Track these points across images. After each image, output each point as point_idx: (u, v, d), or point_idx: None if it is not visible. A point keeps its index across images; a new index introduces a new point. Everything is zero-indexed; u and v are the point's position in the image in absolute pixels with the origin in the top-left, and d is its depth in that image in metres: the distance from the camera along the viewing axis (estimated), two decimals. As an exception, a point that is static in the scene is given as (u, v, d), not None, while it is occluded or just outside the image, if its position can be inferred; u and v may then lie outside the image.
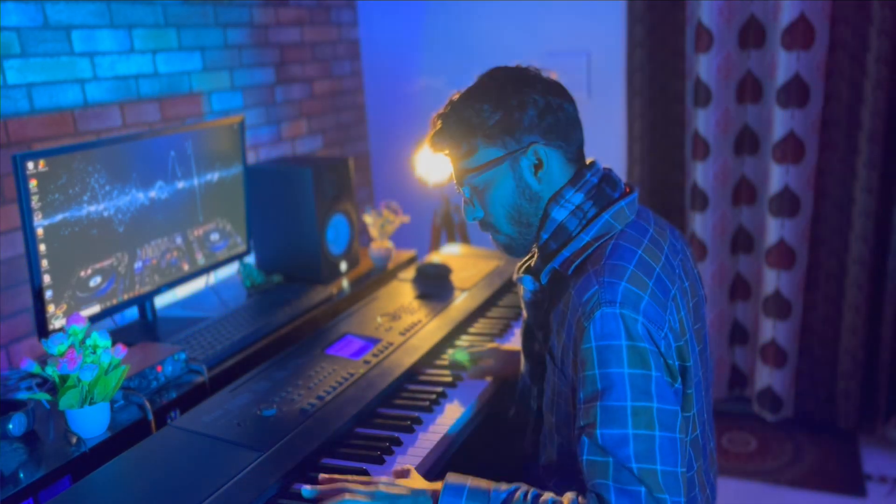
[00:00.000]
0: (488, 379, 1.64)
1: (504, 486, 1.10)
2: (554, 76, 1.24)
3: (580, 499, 1.06)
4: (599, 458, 1.05)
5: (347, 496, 1.11)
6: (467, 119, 1.19)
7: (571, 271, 1.17)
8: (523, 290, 1.29)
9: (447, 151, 1.24)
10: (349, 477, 1.18)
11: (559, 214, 1.19)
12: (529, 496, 1.08)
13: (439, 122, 1.23)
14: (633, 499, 1.02)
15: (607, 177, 1.23)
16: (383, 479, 1.17)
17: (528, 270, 1.29)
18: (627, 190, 1.24)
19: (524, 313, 1.34)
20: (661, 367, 1.07)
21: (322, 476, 1.20)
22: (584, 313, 1.09)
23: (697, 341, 1.21)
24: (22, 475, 1.26)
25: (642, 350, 1.06)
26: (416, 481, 1.17)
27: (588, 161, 1.25)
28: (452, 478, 1.12)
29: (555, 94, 1.20)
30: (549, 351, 1.23)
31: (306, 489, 1.16)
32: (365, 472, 1.26)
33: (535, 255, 1.28)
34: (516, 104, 1.18)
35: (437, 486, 1.12)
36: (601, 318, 1.07)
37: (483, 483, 1.11)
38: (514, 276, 1.31)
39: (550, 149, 1.19)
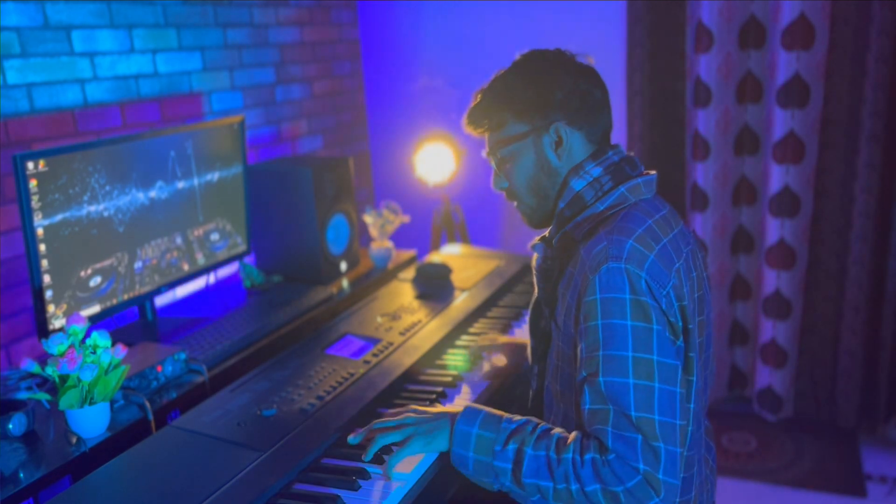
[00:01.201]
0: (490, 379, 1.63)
1: (516, 418, 1.18)
2: (591, 61, 1.31)
3: (584, 439, 1.11)
4: (600, 406, 1.09)
5: (379, 423, 1.25)
6: (500, 94, 1.28)
7: (583, 236, 1.21)
8: (535, 260, 1.34)
9: (482, 123, 1.31)
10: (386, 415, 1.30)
11: (577, 185, 1.25)
12: (538, 429, 1.15)
13: (479, 95, 1.31)
14: (629, 445, 1.06)
15: (629, 158, 1.29)
16: (411, 406, 1.29)
17: (542, 239, 1.34)
18: (649, 173, 1.29)
19: (534, 289, 1.38)
20: (662, 322, 1.11)
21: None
22: (590, 267, 1.14)
23: (699, 333, 1.22)
24: (22, 475, 1.26)
25: (645, 304, 1.10)
26: (439, 408, 1.28)
27: (614, 145, 1.30)
28: (470, 404, 1.22)
29: (585, 79, 1.26)
30: (554, 320, 1.26)
31: (352, 437, 1.27)
32: (365, 473, 1.26)
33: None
34: (545, 84, 1.25)
35: (458, 409, 1.22)
36: (607, 272, 1.11)
37: (498, 413, 1.19)
38: (530, 245, 1.37)
39: (573, 129, 1.25)
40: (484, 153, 1.35)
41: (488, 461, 1.14)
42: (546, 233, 1.34)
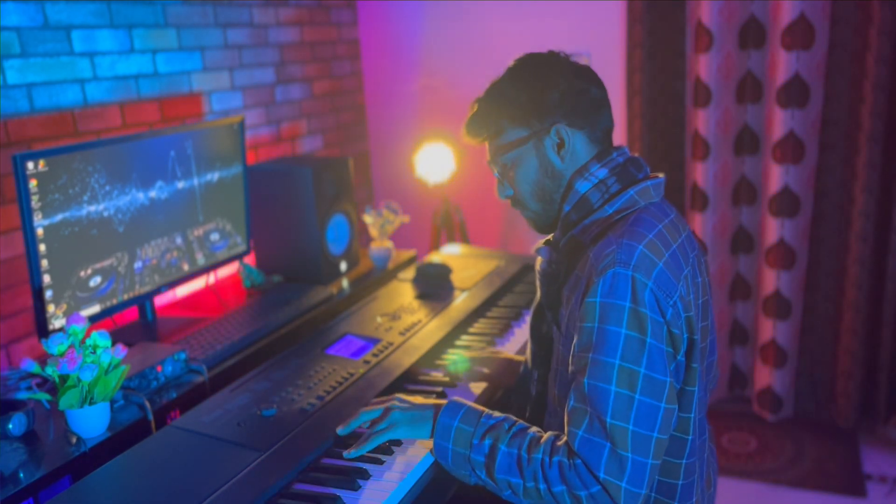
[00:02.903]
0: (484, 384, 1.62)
1: (496, 414, 1.21)
2: (586, 61, 1.29)
3: (556, 439, 1.12)
4: (580, 406, 1.10)
5: (365, 409, 1.29)
6: (496, 101, 1.27)
7: (591, 239, 1.20)
8: (539, 263, 1.33)
9: (480, 133, 1.30)
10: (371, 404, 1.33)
11: (582, 187, 1.23)
12: (514, 427, 1.17)
13: (475, 105, 1.30)
14: (594, 452, 1.06)
15: (634, 160, 1.27)
16: (396, 395, 1.32)
17: (547, 243, 1.33)
18: (656, 176, 1.29)
19: (538, 292, 1.37)
20: (659, 336, 1.10)
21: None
22: (597, 270, 1.13)
23: (703, 338, 1.22)
24: (22, 475, 1.26)
25: (643, 316, 1.09)
26: (424, 399, 1.31)
27: (617, 145, 1.29)
28: (456, 398, 1.25)
29: (580, 78, 1.24)
30: (557, 323, 1.26)
31: (340, 428, 1.29)
32: (365, 473, 1.26)
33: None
34: (541, 87, 1.23)
35: (443, 401, 1.25)
36: (612, 277, 1.10)
37: (480, 408, 1.22)
38: (534, 249, 1.35)
39: (574, 129, 1.23)
40: (487, 162, 1.33)
41: (465, 453, 1.17)
42: (550, 236, 1.33)
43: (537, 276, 1.35)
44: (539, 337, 1.39)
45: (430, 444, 1.26)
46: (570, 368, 1.14)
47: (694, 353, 1.17)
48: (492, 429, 1.17)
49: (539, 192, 1.28)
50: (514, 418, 1.20)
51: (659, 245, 1.14)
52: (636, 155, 1.30)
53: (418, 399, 1.30)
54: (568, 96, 1.22)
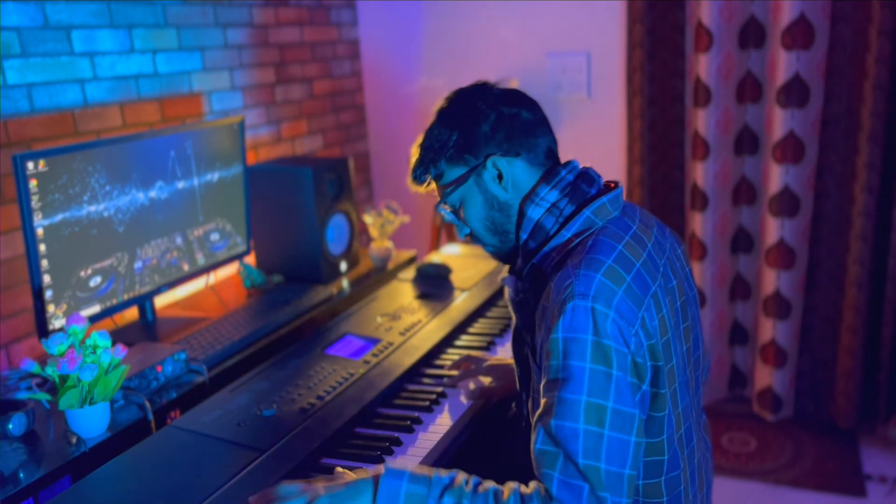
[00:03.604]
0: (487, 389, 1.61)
1: (444, 472, 1.09)
2: (514, 84, 1.28)
3: (522, 488, 1.07)
4: (551, 448, 1.06)
5: (284, 500, 1.07)
6: (431, 146, 1.26)
7: (553, 267, 1.18)
8: (508, 293, 1.31)
9: (422, 179, 1.29)
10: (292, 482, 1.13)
11: (535, 213, 1.22)
12: (471, 482, 1.08)
13: (413, 153, 1.29)
14: (574, 493, 1.03)
15: (584, 174, 1.25)
16: (320, 478, 1.13)
17: (512, 271, 1.31)
18: (612, 186, 1.26)
19: (513, 317, 1.35)
20: (624, 367, 1.07)
21: (252, 498, 1.12)
22: (558, 304, 1.10)
23: (685, 340, 1.21)
24: (22, 475, 1.26)
25: (607, 348, 1.06)
26: (353, 475, 1.12)
27: (564, 161, 1.27)
28: (393, 464, 1.11)
29: (508, 104, 1.23)
30: (532, 350, 1.23)
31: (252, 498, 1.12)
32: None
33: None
34: (469, 122, 1.22)
35: (379, 470, 1.09)
36: (572, 311, 1.07)
37: (424, 469, 1.10)
38: (499, 279, 1.33)
39: (510, 157, 1.22)
40: (434, 207, 1.31)
41: None
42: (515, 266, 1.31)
43: (509, 304, 1.32)
44: (521, 359, 1.36)
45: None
46: (538, 410, 1.10)
47: (660, 379, 1.14)
48: (448, 487, 1.06)
49: (491, 227, 1.26)
50: (465, 473, 1.10)
51: (619, 270, 1.10)
52: (586, 167, 1.27)
53: (346, 476, 1.12)
54: (498, 125, 1.21)
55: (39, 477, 1.26)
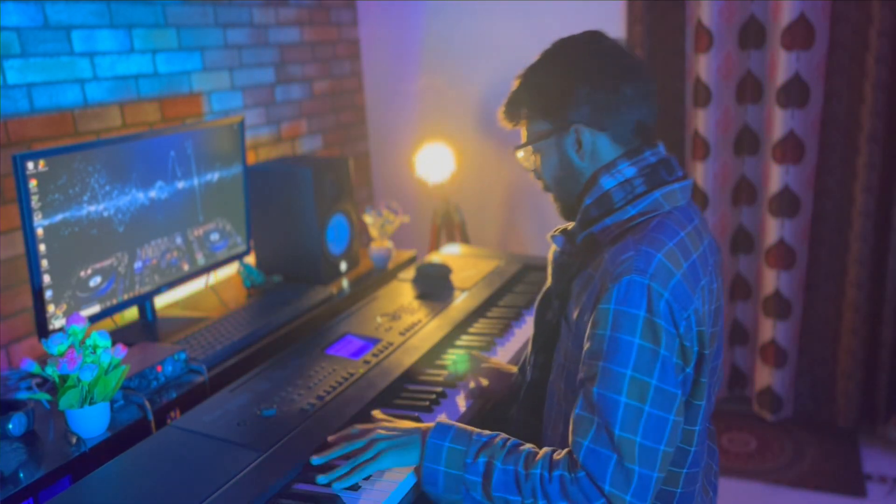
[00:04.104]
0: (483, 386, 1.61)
1: (486, 432, 1.18)
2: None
3: (554, 454, 1.10)
4: (587, 415, 1.07)
5: (348, 440, 1.24)
6: (527, 89, 1.24)
7: (609, 240, 1.17)
8: (552, 251, 1.31)
9: (513, 119, 1.28)
10: (351, 431, 1.28)
11: (607, 183, 1.19)
12: (508, 444, 1.14)
13: (514, 85, 1.27)
14: (600, 463, 1.04)
15: (667, 161, 1.23)
16: (381, 422, 1.28)
17: (564, 232, 1.30)
18: (683, 178, 1.25)
19: (548, 280, 1.35)
20: (672, 348, 1.08)
21: (330, 438, 1.28)
22: (613, 275, 1.09)
23: (710, 344, 1.21)
24: (22, 475, 1.26)
25: (658, 326, 1.06)
26: (409, 423, 1.26)
27: (654, 142, 1.25)
28: (443, 419, 1.22)
29: (610, 74, 1.18)
30: (564, 316, 1.23)
31: (315, 458, 1.24)
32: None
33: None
34: (568, 81, 1.19)
35: (429, 425, 1.21)
36: (628, 285, 1.07)
37: (469, 428, 1.19)
38: (548, 236, 1.33)
39: (595, 130, 1.19)
40: (514, 147, 1.31)
41: (459, 474, 1.13)
42: (568, 225, 1.30)
43: (549, 263, 1.33)
44: (542, 323, 1.37)
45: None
46: (580, 375, 1.12)
47: (703, 367, 1.15)
48: (485, 446, 1.14)
49: (560, 185, 1.26)
50: (507, 435, 1.17)
51: (678, 255, 1.11)
52: (671, 155, 1.25)
53: (402, 423, 1.27)
54: (594, 95, 1.17)
55: (39, 477, 1.26)
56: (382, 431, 1.24)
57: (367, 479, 1.24)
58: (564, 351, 1.23)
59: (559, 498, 1.05)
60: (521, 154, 1.29)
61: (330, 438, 1.28)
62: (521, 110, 1.25)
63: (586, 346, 1.12)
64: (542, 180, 1.29)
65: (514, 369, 1.57)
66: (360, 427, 1.27)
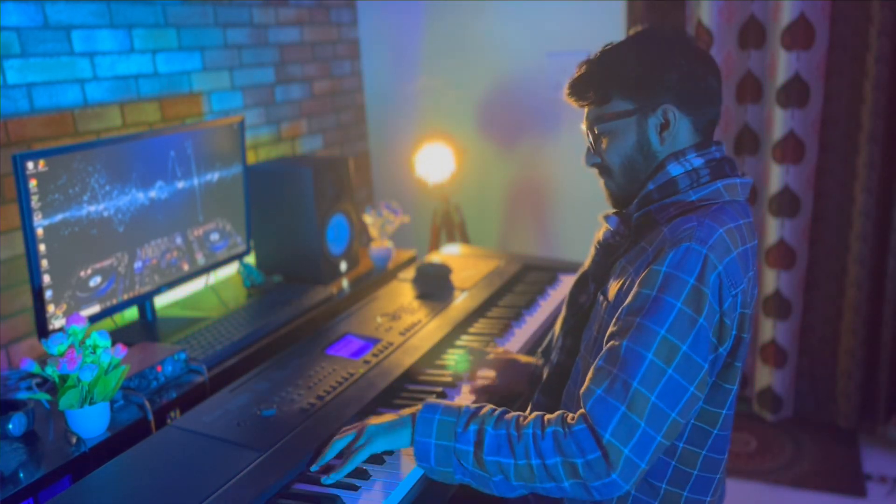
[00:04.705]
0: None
1: (474, 404, 1.19)
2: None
3: (546, 416, 1.11)
4: (607, 366, 1.07)
5: (338, 437, 1.24)
6: (609, 67, 1.22)
7: (666, 220, 1.17)
8: (602, 232, 1.31)
9: (586, 96, 1.25)
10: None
11: (675, 170, 1.20)
12: (498, 411, 1.15)
13: (584, 66, 1.25)
14: (606, 411, 1.04)
15: (730, 160, 1.24)
16: (372, 417, 1.27)
17: (618, 213, 1.30)
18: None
19: (588, 261, 1.35)
20: (712, 321, 1.08)
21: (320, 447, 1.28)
22: (671, 241, 1.10)
23: (748, 342, 1.21)
24: (22, 475, 1.26)
25: (704, 296, 1.07)
26: (395, 414, 1.26)
27: (718, 141, 1.26)
28: (430, 400, 1.22)
29: (701, 64, 1.21)
30: (604, 294, 1.22)
31: (313, 467, 1.24)
32: (365, 473, 1.26)
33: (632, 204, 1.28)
34: (659, 63, 1.20)
35: (418, 406, 1.21)
36: (686, 251, 1.08)
37: (457, 403, 1.21)
38: (601, 216, 1.32)
39: (682, 114, 1.20)
40: (582, 126, 1.29)
41: (450, 445, 1.13)
42: (622, 209, 1.29)
43: (595, 244, 1.32)
44: (575, 306, 1.36)
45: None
46: (611, 329, 1.11)
47: (739, 350, 1.15)
48: (475, 415, 1.15)
49: (628, 167, 1.24)
50: (495, 406, 1.18)
51: (736, 236, 1.12)
52: (732, 156, 1.27)
53: (391, 415, 1.26)
54: (685, 80, 1.18)
55: (39, 477, 1.26)
56: (372, 421, 1.24)
57: (366, 478, 1.24)
58: (598, 324, 1.22)
59: (553, 454, 1.06)
60: (598, 131, 1.25)
61: (321, 447, 1.28)
62: (599, 88, 1.22)
63: (625, 305, 1.11)
64: (603, 163, 1.26)
65: (532, 360, 1.57)
66: (347, 427, 1.28)
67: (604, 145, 1.25)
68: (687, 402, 1.07)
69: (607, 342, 1.11)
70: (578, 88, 1.25)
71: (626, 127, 1.22)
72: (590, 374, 1.10)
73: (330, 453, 1.23)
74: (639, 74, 1.20)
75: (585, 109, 1.27)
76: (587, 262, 1.36)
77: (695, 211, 1.15)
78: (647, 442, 1.04)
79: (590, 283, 1.33)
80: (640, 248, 1.18)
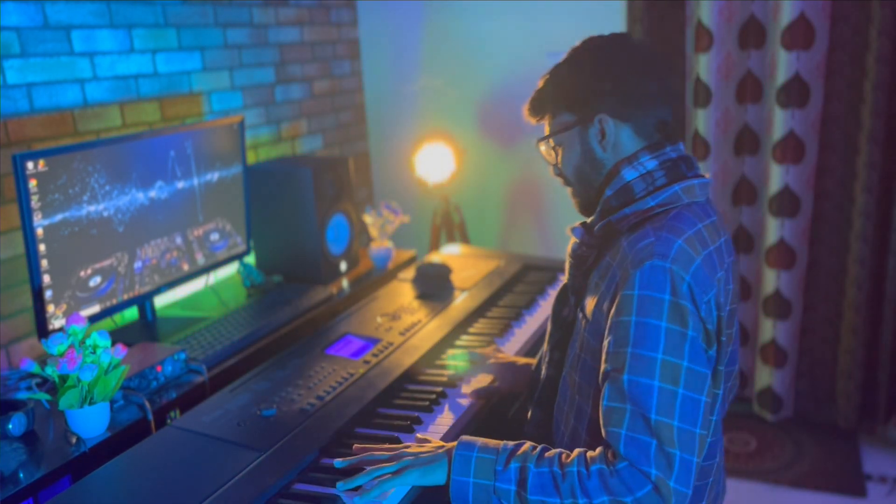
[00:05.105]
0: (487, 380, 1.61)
1: (512, 443, 1.15)
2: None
3: (589, 452, 1.08)
4: (618, 405, 1.06)
5: (373, 467, 1.17)
6: (553, 84, 1.27)
7: (628, 228, 1.18)
8: (571, 243, 1.32)
9: (538, 113, 1.30)
10: (377, 446, 1.24)
11: (628, 175, 1.21)
12: (539, 448, 1.12)
13: (539, 83, 1.29)
14: (641, 449, 1.02)
15: (686, 158, 1.24)
16: (411, 444, 1.23)
17: (584, 224, 1.31)
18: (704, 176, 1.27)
19: (565, 275, 1.35)
20: (698, 329, 1.08)
21: (356, 446, 1.25)
22: (633, 261, 1.10)
23: (727, 342, 1.21)
24: (22, 475, 1.26)
25: (683, 308, 1.07)
26: (436, 443, 1.23)
27: (675, 140, 1.26)
28: (466, 438, 1.18)
29: (639, 71, 1.21)
30: (582, 309, 1.23)
31: (339, 461, 1.22)
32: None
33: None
34: (593, 74, 1.22)
35: (453, 444, 1.18)
36: (650, 269, 1.08)
37: (494, 441, 1.17)
38: (568, 229, 1.33)
39: (619, 121, 1.21)
40: (536, 141, 1.33)
41: (490, 484, 1.10)
42: (589, 219, 1.30)
43: (567, 256, 1.33)
44: (559, 320, 1.37)
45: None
46: (604, 366, 1.11)
47: (721, 355, 1.15)
48: (515, 453, 1.11)
49: (581, 177, 1.27)
50: (533, 443, 1.14)
51: (696, 243, 1.12)
52: (689, 154, 1.26)
53: (428, 445, 1.23)
54: (619, 89, 1.20)
55: (39, 477, 1.26)
56: (409, 450, 1.20)
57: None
58: (580, 341, 1.23)
59: (600, 493, 1.03)
60: (543, 148, 1.30)
61: (355, 447, 1.25)
62: (545, 104, 1.27)
63: (609, 337, 1.11)
64: (563, 175, 1.30)
65: (531, 361, 1.56)
66: (385, 446, 1.25)
67: (557, 158, 1.29)
68: (703, 413, 1.07)
69: (605, 378, 1.10)
70: (532, 106, 1.30)
71: (571, 139, 1.25)
72: (602, 417, 1.08)
73: (362, 479, 1.17)
74: (575, 87, 1.23)
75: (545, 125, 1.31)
76: (565, 276, 1.36)
77: (651, 220, 1.15)
78: (688, 467, 1.03)
79: (570, 296, 1.34)
80: (606, 263, 1.19)
